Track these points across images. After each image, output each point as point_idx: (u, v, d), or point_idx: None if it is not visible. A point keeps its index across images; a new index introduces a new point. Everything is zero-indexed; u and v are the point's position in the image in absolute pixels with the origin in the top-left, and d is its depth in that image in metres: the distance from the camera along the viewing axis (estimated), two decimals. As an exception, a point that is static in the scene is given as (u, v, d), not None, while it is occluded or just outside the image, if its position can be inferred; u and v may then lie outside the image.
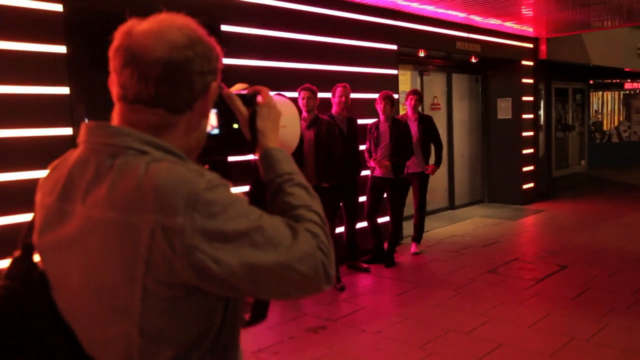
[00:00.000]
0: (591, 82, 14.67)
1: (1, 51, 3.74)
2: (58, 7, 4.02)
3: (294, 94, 5.31)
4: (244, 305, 1.10)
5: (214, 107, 1.12)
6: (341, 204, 5.81)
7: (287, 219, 1.02)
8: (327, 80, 5.86)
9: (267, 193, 1.12)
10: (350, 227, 5.95)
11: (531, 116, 9.77)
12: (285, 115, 1.29)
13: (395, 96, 6.96)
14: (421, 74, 8.75)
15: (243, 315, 1.10)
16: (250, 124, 1.15)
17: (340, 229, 5.93)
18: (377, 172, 5.99)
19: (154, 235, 0.90)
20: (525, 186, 9.67)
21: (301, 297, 1.05)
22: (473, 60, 8.82)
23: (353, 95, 6.01)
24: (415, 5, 6.94)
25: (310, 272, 0.98)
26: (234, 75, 5.15)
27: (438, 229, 7.89)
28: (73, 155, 1.05)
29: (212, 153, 1.17)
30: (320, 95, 5.44)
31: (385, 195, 6.14)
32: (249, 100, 1.17)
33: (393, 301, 5.07)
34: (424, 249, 6.68)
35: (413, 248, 6.57)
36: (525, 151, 9.65)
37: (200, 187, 0.92)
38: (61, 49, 4.06)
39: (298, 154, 4.93)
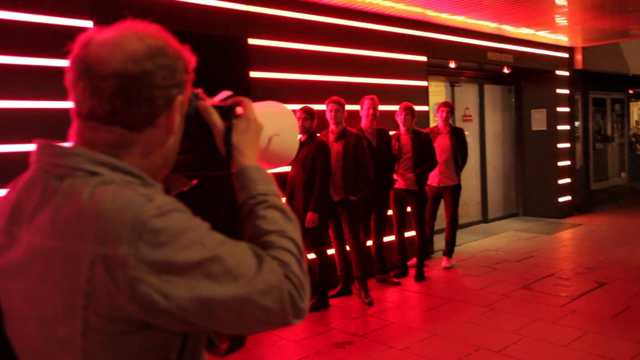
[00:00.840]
0: (631, 91, 14.24)
1: (48, 68, 3.88)
2: (89, 24, 4.12)
3: (322, 107, 5.29)
4: (205, 339, 1.02)
5: (191, 119, 1.04)
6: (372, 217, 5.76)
7: (254, 246, 0.94)
8: (356, 93, 5.83)
9: (240, 215, 1.04)
10: (378, 240, 5.87)
11: (567, 127, 9.52)
12: (281, 123, 1.23)
13: (425, 108, 6.90)
14: (452, 85, 8.63)
15: (217, 344, 1.04)
16: (224, 139, 1.06)
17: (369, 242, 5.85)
18: (399, 184, 5.90)
19: (94, 267, 0.83)
20: (561, 199, 9.40)
21: (266, 330, 0.96)
22: (505, 70, 8.66)
23: (382, 108, 5.97)
24: (445, 16, 6.86)
25: (275, 306, 0.90)
26: (261, 88, 5.17)
27: (471, 242, 7.72)
28: (24, 175, 0.98)
29: (184, 169, 1.09)
30: (349, 107, 5.42)
31: (409, 207, 6.04)
32: (226, 112, 1.08)
33: (422, 317, 4.96)
34: (455, 263, 6.53)
35: (444, 262, 6.43)
36: (561, 163, 9.39)
37: (147, 214, 0.85)
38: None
39: (326, 168, 4.92)
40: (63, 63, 0.93)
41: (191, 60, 1.00)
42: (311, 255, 5.12)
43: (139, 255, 0.82)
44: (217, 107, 1.08)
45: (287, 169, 5.14)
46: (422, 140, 5.85)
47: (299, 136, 1.29)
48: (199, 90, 1.09)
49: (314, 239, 5.05)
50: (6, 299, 0.96)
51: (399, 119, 5.88)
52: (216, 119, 1.07)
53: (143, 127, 0.94)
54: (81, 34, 0.94)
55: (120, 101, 0.90)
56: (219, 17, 4.93)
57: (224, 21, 4.97)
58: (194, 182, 1.14)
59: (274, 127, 1.22)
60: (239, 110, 1.10)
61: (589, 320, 4.62)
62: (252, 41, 5.19)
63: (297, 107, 5.12)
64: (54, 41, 3.90)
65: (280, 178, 5.18)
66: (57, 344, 0.89)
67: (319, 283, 5.13)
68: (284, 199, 5.03)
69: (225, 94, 1.16)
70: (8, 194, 1.00)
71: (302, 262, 0.97)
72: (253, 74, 5.19)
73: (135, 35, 0.93)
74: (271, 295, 0.89)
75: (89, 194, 0.87)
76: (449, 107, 6.26)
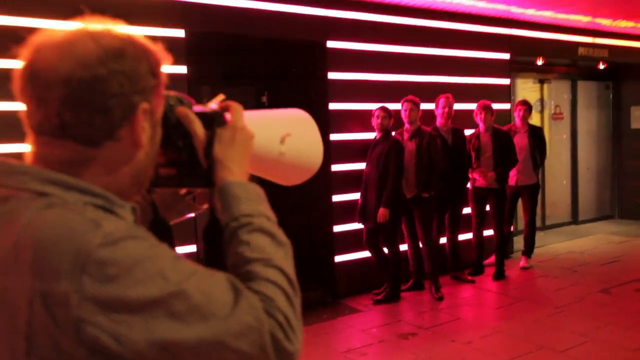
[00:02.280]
0: None
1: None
2: (181, 33, 4.59)
3: (397, 106, 5.46)
4: None
5: (173, 128, 0.94)
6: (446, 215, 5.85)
7: (232, 278, 0.82)
8: (434, 92, 5.92)
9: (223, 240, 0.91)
10: (453, 238, 5.95)
11: (671, 125, 8.93)
12: (295, 126, 1.15)
13: (507, 106, 6.84)
14: (542, 82, 8.41)
15: None
16: (205, 150, 0.94)
17: (443, 240, 5.95)
18: (479, 183, 5.93)
19: (33, 305, 0.72)
20: (662, 202, 8.85)
21: None
22: (601, 66, 8.29)
23: (461, 107, 6.03)
24: (531, 12, 6.74)
25: (253, 350, 0.78)
26: (339, 89, 5.44)
27: (556, 244, 7.52)
28: None
29: (165, 184, 0.99)
30: (426, 106, 5.56)
31: (488, 206, 6.05)
32: (209, 119, 0.96)
33: (490, 314, 5.01)
34: (535, 263, 6.44)
35: (522, 262, 6.37)
36: (663, 163, 8.84)
37: (92, 243, 0.73)
38: (182, 69, 4.61)
39: (399, 165, 5.10)
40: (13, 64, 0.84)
41: (161, 61, 0.88)
42: (386, 250, 5.33)
43: (82, 291, 0.71)
44: (200, 114, 0.96)
45: (362, 166, 5.37)
46: (503, 139, 5.84)
47: (321, 146, 1.21)
48: (185, 96, 0.98)
49: (387, 234, 5.24)
50: None
51: (478, 118, 5.90)
52: (197, 128, 0.95)
53: (101, 141, 0.82)
54: (31, 35, 0.83)
55: (70, 113, 0.79)
56: (299, 22, 5.25)
57: (303, 26, 5.29)
58: (205, 206, 1.04)
59: (287, 130, 1.12)
60: (227, 116, 0.98)
61: (668, 327, 4.46)
62: (330, 44, 5.46)
63: (374, 106, 5.34)
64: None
65: (356, 175, 5.44)
66: None
67: (390, 277, 5.32)
68: (358, 195, 5.32)
69: (219, 97, 1.05)
70: None
71: (292, 295, 0.84)
72: (331, 75, 5.47)
73: (89, 35, 0.81)
74: (248, 337, 0.78)
75: (27, 220, 0.75)
76: (526, 105, 6.19)
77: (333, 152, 5.30)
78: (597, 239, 7.76)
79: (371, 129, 5.39)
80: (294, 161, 1.13)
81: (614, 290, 5.41)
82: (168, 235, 1.00)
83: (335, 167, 5.46)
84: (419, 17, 6.05)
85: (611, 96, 9.27)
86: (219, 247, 0.91)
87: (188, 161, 0.96)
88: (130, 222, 0.84)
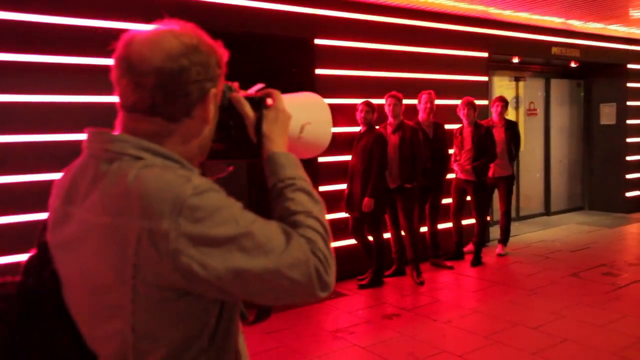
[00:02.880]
0: None
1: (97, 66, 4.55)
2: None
3: (381, 101, 5.75)
4: (239, 309, 1.12)
5: (225, 110, 1.14)
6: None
7: (283, 225, 1.02)
8: (415, 88, 6.22)
9: (270, 198, 1.11)
10: (433, 227, 6.27)
11: (638, 122, 9.40)
12: (314, 113, 1.34)
13: (485, 102, 7.17)
14: (517, 80, 8.80)
15: (246, 316, 1.15)
16: (256, 128, 1.15)
17: (423, 229, 6.27)
18: (460, 175, 6.26)
19: (140, 240, 0.92)
20: (629, 194, 9.32)
21: (296, 302, 1.03)
22: (573, 65, 8.70)
23: (442, 102, 6.35)
24: (508, 12, 7.08)
25: (303, 278, 0.97)
26: (325, 84, 5.70)
27: (529, 233, 7.92)
28: (76, 161, 1.09)
29: (219, 156, 1.18)
30: (409, 102, 5.86)
31: (468, 197, 6.39)
32: (257, 103, 1.17)
33: (468, 296, 5.34)
34: (510, 251, 6.80)
35: (498, 249, 6.72)
36: (630, 158, 9.30)
37: (186, 193, 0.93)
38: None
39: (382, 157, 5.39)
40: (109, 61, 1.07)
41: (223, 55, 1.09)
42: (370, 238, 5.63)
43: (179, 229, 0.91)
44: (249, 99, 1.17)
45: (348, 157, 5.65)
46: (483, 134, 6.16)
47: (331, 127, 1.42)
48: (233, 84, 1.18)
49: (371, 222, 5.54)
50: (63, 269, 1.06)
51: (462, 113, 6.21)
52: (248, 110, 1.16)
53: (181, 118, 1.03)
54: (123, 34, 1.03)
55: (160, 95, 1.00)
56: (288, 20, 5.49)
57: (292, 24, 5.54)
58: (230, 168, 1.25)
59: (307, 117, 1.31)
60: (269, 101, 1.18)
61: (631, 306, 4.83)
62: (317, 41, 5.72)
63: (359, 101, 5.61)
64: (102, 42, 4.60)
65: (342, 166, 5.72)
66: (109, 310, 0.99)
67: (374, 263, 5.62)
68: (345, 185, 5.59)
69: (258, 86, 1.25)
70: (62, 177, 1.11)
71: (328, 240, 1.04)
72: (318, 71, 5.73)
73: (172, 34, 1.02)
74: (299, 268, 0.97)
75: (134, 175, 0.96)
76: (503, 102, 6.53)
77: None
78: (568, 229, 8.18)
79: (356, 123, 5.67)
80: (308, 141, 1.33)
81: (583, 274, 5.79)
82: None
83: (322, 159, 5.73)
84: (403, 17, 6.35)
85: (582, 93, 9.72)
86: (265, 204, 1.12)
87: (238, 137, 1.17)
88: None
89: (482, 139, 6.13)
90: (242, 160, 1.26)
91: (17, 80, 4.11)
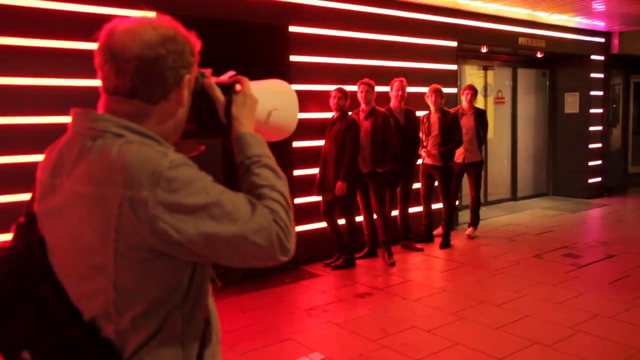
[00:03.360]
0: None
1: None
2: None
3: (354, 88, 5.89)
4: (210, 272, 1.24)
5: (198, 94, 1.25)
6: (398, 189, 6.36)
7: (249, 196, 1.15)
8: (387, 75, 6.38)
9: (237, 173, 1.24)
10: (404, 210, 6.47)
11: (599, 111, 9.77)
12: (281, 99, 1.45)
13: (454, 90, 7.38)
14: (485, 69, 9.04)
15: (216, 281, 1.28)
16: (225, 110, 1.27)
17: (395, 212, 6.46)
18: (428, 160, 6.47)
19: (122, 207, 1.04)
20: (591, 180, 9.71)
21: (260, 266, 1.15)
22: (539, 55, 8.98)
23: (413, 89, 6.53)
24: (477, 3, 7.28)
25: (266, 243, 1.10)
26: (300, 71, 5.82)
27: (497, 217, 8.20)
28: (63, 138, 1.20)
29: (192, 136, 1.30)
30: (380, 89, 6.02)
31: (436, 182, 6.60)
32: (227, 88, 1.29)
33: (437, 277, 5.56)
34: (478, 234, 7.05)
35: (469, 231, 6.98)
36: (592, 145, 9.68)
37: (163, 166, 1.05)
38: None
39: (355, 143, 5.54)
40: (93, 46, 1.18)
41: (197, 45, 1.21)
42: (341, 221, 5.79)
43: (156, 198, 1.04)
44: (220, 84, 1.29)
45: (322, 143, 5.79)
46: (449, 120, 6.37)
47: (298, 113, 1.53)
48: (207, 70, 1.29)
49: (344, 206, 5.70)
50: (50, 235, 1.17)
51: (430, 100, 6.40)
52: (219, 94, 1.28)
53: (158, 101, 1.16)
54: (106, 24, 1.14)
55: (139, 80, 1.12)
56: (263, 7, 5.58)
57: (267, 11, 5.62)
58: (202, 148, 1.35)
59: (274, 103, 1.42)
60: (237, 87, 1.30)
61: (588, 284, 5.12)
62: (292, 28, 5.82)
63: (333, 87, 5.74)
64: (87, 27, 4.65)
65: (315, 151, 5.86)
66: (93, 270, 1.10)
67: (347, 245, 5.79)
68: (317, 170, 5.72)
69: (230, 73, 1.36)
70: (49, 153, 1.22)
71: (289, 211, 1.17)
72: (293, 58, 5.83)
73: (151, 25, 1.13)
74: (262, 234, 1.10)
75: (117, 150, 1.08)
76: (473, 90, 6.75)
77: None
78: (533, 213, 8.50)
79: (330, 109, 5.80)
80: (276, 125, 1.44)
81: (545, 256, 6.07)
82: None
83: (296, 144, 5.86)
84: (376, 6, 6.48)
85: (547, 83, 10.03)
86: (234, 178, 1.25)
87: (209, 118, 1.29)
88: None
89: (449, 125, 6.33)
90: (213, 140, 1.38)
91: (1, 64, 4.15)
